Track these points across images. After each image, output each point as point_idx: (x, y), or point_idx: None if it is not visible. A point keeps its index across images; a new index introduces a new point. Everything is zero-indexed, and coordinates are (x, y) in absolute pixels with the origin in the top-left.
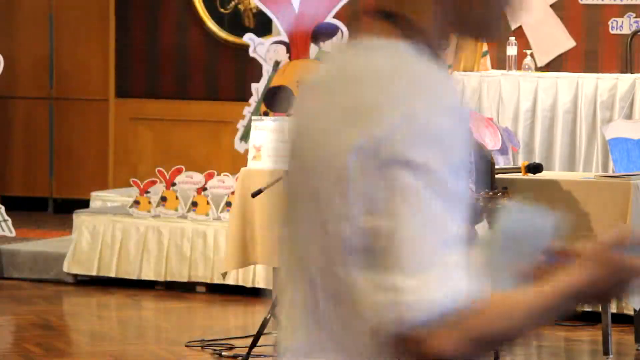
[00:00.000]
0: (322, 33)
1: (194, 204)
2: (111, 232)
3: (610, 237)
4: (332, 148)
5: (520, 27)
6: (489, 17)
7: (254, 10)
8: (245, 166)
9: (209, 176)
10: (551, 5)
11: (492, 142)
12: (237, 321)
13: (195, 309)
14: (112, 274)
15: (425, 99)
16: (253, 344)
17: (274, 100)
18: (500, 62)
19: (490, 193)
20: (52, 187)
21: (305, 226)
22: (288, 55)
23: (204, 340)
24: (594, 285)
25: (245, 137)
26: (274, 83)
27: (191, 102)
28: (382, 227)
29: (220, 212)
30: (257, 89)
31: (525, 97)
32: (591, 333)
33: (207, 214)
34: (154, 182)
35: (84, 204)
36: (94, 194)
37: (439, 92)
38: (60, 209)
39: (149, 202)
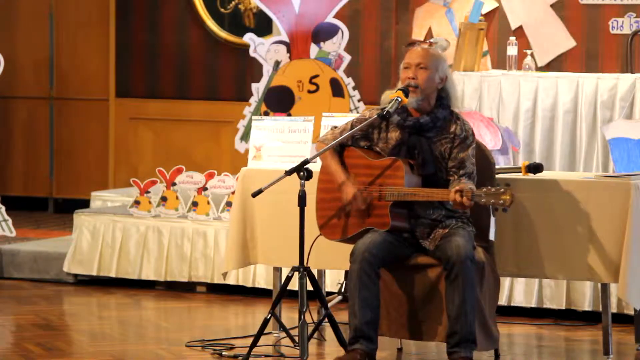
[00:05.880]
0: (322, 33)
1: (194, 203)
2: (111, 232)
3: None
4: None
5: (520, 27)
6: None
7: (254, 10)
8: (246, 166)
9: (209, 176)
10: (551, 5)
11: (492, 142)
12: (237, 321)
13: (195, 309)
14: (112, 274)
15: None
16: (253, 344)
17: (275, 100)
18: (500, 62)
19: (493, 189)
20: (52, 187)
21: None
22: (288, 55)
23: (204, 340)
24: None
25: (245, 136)
26: (275, 83)
27: (191, 102)
28: None
29: (221, 212)
30: (258, 88)
31: (525, 97)
32: (591, 333)
33: (207, 214)
34: (154, 182)
35: (84, 204)
36: (94, 194)
37: None
38: (60, 209)
39: (149, 202)
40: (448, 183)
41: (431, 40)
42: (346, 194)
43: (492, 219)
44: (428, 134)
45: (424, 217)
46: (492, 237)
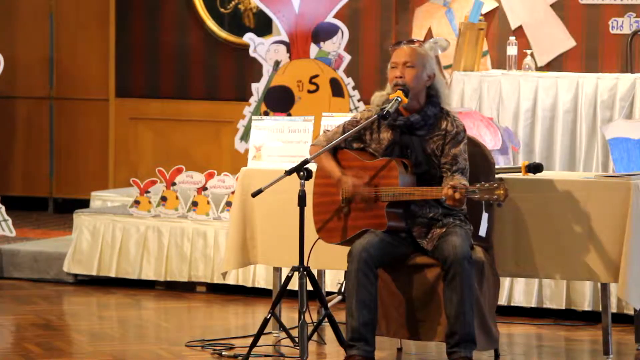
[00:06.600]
0: (322, 33)
1: (194, 203)
2: (111, 232)
3: None
4: None
5: (520, 27)
6: None
7: (254, 10)
8: (245, 166)
9: (209, 176)
10: (551, 5)
11: (492, 142)
12: (237, 321)
13: (195, 309)
14: (112, 274)
15: None
16: (253, 344)
17: (275, 100)
18: (500, 62)
19: (486, 185)
20: (52, 187)
21: None
22: (288, 55)
23: (204, 340)
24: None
25: (245, 136)
26: (274, 83)
27: (191, 102)
28: None
29: (220, 212)
30: (257, 88)
31: (525, 97)
32: (591, 333)
33: (207, 214)
34: (154, 182)
35: (84, 204)
36: (94, 193)
37: None
38: (60, 209)
39: (149, 202)
40: (442, 180)
41: (431, 40)
42: (346, 187)
43: (484, 215)
44: (419, 132)
45: (421, 216)
46: (482, 233)
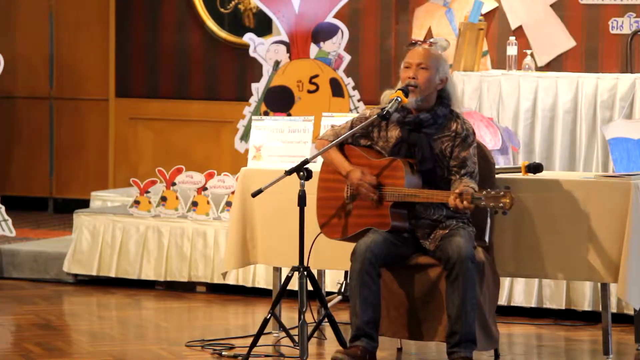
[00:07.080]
0: (322, 33)
1: (194, 203)
2: (111, 232)
3: None
4: None
5: (520, 27)
6: None
7: (254, 10)
8: (245, 166)
9: (209, 176)
10: (551, 5)
11: (492, 142)
12: (237, 321)
13: (195, 309)
14: (112, 274)
15: None
16: (253, 344)
17: (274, 100)
18: (500, 62)
19: (493, 192)
20: (52, 187)
21: None
22: (288, 55)
23: (203, 340)
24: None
25: (245, 136)
26: (274, 83)
27: (191, 102)
28: None
29: (220, 212)
30: (257, 88)
31: (525, 97)
32: (591, 333)
33: (207, 214)
34: (154, 182)
35: (84, 204)
36: (94, 193)
37: None
38: (60, 209)
39: (149, 202)
40: (449, 182)
41: (431, 40)
42: (354, 178)
43: (488, 221)
44: (428, 130)
45: (425, 217)
46: (486, 239)
